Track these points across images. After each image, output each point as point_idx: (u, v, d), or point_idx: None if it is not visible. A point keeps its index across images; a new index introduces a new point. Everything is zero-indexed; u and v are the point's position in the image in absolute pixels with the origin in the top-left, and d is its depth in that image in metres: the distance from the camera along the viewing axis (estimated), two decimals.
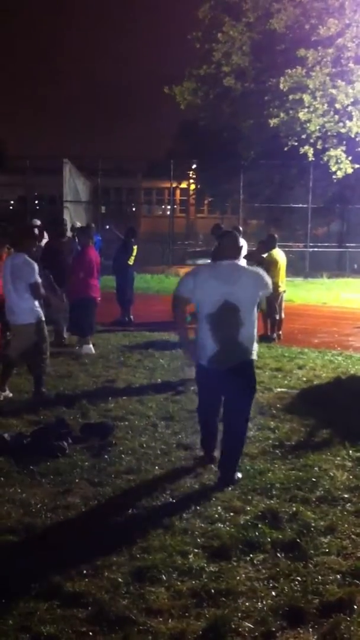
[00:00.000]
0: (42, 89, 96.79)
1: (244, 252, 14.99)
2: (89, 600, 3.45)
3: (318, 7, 19.95)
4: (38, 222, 13.64)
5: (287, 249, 16.18)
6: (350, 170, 21.24)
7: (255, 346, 5.19)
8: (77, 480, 5.05)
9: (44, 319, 7.28)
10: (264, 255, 11.45)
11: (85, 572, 3.73)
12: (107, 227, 18.29)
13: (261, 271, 5.32)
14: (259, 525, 4.29)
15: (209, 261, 5.81)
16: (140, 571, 3.73)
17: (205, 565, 3.82)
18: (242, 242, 15.72)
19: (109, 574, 3.71)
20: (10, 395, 7.35)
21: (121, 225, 17.49)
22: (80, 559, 3.88)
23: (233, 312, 4.97)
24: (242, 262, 8.45)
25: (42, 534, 4.19)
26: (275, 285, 11.26)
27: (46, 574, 3.69)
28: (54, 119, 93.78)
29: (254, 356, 5.18)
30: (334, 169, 21.28)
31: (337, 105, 19.74)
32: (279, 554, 3.96)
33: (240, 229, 12.63)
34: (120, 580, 3.65)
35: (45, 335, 7.34)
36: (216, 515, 4.48)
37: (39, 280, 7.11)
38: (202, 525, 4.34)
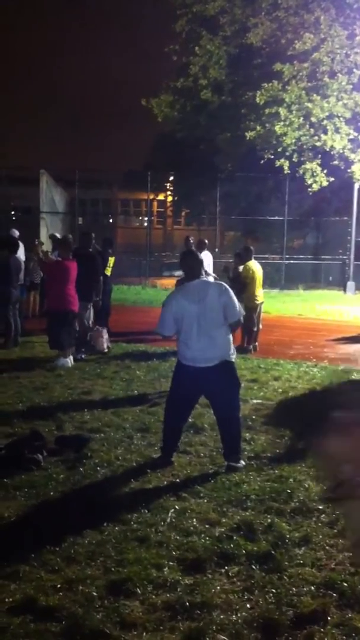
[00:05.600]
0: (17, 100, 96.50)
1: (208, 264, 15.08)
2: (63, 615, 3.42)
3: (294, 22, 20.17)
4: (17, 233, 13.66)
5: (263, 261, 16.28)
6: (325, 183, 21.47)
7: (232, 349, 5.70)
8: (51, 493, 5.02)
9: None
10: (240, 268, 11.52)
11: (59, 585, 3.70)
12: None
13: (222, 283, 5.85)
14: (234, 537, 4.28)
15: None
16: (115, 584, 3.71)
17: (180, 578, 3.81)
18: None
19: (83, 587, 3.69)
20: None
21: (98, 236, 17.46)
22: (54, 572, 3.85)
23: (204, 324, 5.52)
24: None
25: (15, 547, 4.15)
26: (253, 297, 11.36)
27: (19, 588, 3.66)
28: (30, 130, 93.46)
29: (232, 358, 5.68)
30: (309, 182, 21.49)
31: (313, 119, 19.96)
32: (253, 566, 3.96)
33: (191, 240, 12.64)
34: (94, 593, 3.62)
35: None
36: (191, 528, 4.47)
37: None
38: (177, 537, 4.32)
